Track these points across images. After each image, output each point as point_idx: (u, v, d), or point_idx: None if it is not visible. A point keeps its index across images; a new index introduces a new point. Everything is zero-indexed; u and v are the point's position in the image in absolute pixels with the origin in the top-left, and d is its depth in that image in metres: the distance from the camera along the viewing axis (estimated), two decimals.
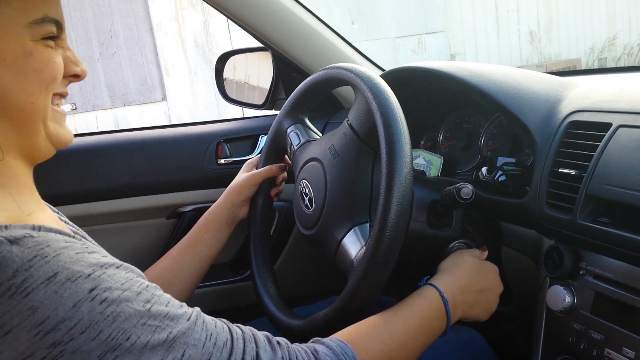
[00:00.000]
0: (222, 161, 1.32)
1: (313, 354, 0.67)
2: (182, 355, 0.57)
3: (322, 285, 1.24)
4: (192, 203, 1.30)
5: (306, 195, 0.96)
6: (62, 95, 0.67)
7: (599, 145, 0.80)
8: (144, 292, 0.57)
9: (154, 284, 0.61)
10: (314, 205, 0.94)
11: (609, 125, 0.80)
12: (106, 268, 0.56)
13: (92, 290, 0.53)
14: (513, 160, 1.03)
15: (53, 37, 0.62)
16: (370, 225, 0.86)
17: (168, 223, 1.31)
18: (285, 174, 1.12)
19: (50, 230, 0.56)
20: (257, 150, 1.35)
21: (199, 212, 1.25)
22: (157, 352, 0.55)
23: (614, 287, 0.75)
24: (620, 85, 0.96)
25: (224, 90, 1.51)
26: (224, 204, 1.08)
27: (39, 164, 0.68)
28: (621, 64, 7.22)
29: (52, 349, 0.50)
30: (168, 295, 0.62)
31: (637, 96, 0.84)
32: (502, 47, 7.74)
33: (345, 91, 1.36)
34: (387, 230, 0.74)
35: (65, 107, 0.70)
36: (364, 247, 0.83)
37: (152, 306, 0.57)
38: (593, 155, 0.79)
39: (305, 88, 1.03)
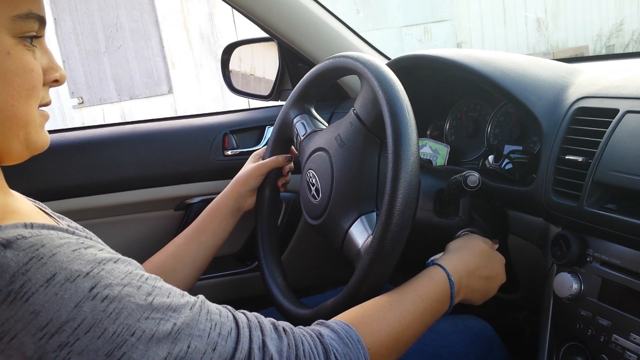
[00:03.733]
0: (229, 152, 1.32)
1: (318, 338, 0.67)
2: (188, 347, 0.57)
3: (330, 276, 1.24)
4: (199, 194, 1.30)
5: (313, 185, 0.96)
6: (46, 105, 0.64)
7: (606, 131, 0.79)
8: (145, 285, 0.57)
9: (154, 275, 0.60)
10: (320, 195, 0.94)
11: (616, 111, 0.80)
12: (104, 264, 0.55)
13: (92, 288, 0.52)
14: (520, 148, 1.02)
15: (33, 37, 0.60)
16: (377, 215, 0.86)
17: (176, 215, 1.31)
18: (292, 164, 1.13)
19: (42, 227, 0.55)
20: (263, 141, 1.35)
21: (207, 203, 1.25)
22: (164, 345, 0.55)
23: (621, 274, 0.75)
24: (628, 71, 0.95)
25: (230, 82, 1.51)
26: (230, 194, 1.09)
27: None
28: (629, 50, 7.15)
29: (59, 351, 0.50)
30: (169, 286, 0.61)
31: None
32: (509, 35, 7.69)
33: (352, 81, 1.36)
34: (394, 219, 0.74)
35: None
36: (371, 236, 0.83)
37: (154, 299, 0.56)
38: (600, 141, 0.79)
39: (311, 78, 1.03)
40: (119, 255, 0.59)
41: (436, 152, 1.14)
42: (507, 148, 1.04)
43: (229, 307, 0.67)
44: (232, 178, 1.13)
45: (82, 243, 0.56)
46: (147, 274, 0.59)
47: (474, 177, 0.81)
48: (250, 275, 1.36)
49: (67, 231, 0.58)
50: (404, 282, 0.81)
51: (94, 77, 6.35)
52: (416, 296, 0.77)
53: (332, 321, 0.71)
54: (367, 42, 1.42)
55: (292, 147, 1.12)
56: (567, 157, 0.83)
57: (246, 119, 1.37)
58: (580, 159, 0.81)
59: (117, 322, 0.52)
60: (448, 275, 0.80)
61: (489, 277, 0.86)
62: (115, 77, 6.49)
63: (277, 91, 1.45)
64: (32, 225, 0.54)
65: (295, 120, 1.06)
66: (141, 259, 1.02)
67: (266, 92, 1.48)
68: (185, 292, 0.63)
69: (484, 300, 0.87)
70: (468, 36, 7.62)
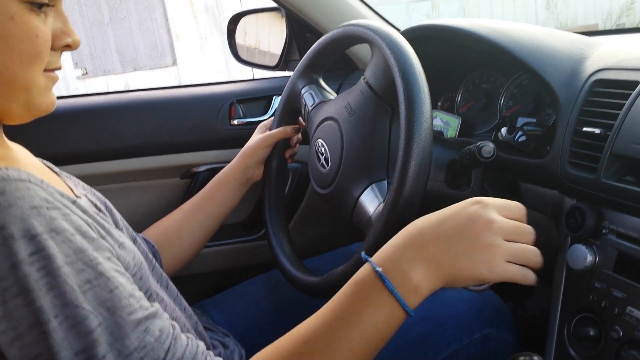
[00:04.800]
0: (236, 122, 1.30)
1: None
2: (104, 357, 0.52)
3: (337, 245, 1.23)
4: (205, 163, 1.29)
5: (322, 154, 0.95)
6: (55, 70, 0.62)
7: (625, 103, 0.77)
8: (89, 271, 0.53)
9: (115, 267, 0.57)
10: (330, 164, 0.93)
11: (636, 83, 0.78)
12: (58, 233, 0.52)
13: (32, 254, 0.50)
14: (533, 120, 1.00)
15: (44, 4, 0.57)
16: (388, 183, 0.85)
17: (182, 183, 1.30)
18: (299, 135, 1.11)
19: (19, 178, 0.52)
20: (270, 111, 1.33)
21: (213, 172, 1.25)
22: (82, 340, 0.51)
23: (638, 246, 0.74)
24: None
25: (236, 51, 1.48)
26: (237, 166, 1.08)
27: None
28: None
29: None
30: (123, 284, 0.56)
31: None
32: (518, 13, 7.58)
33: (361, 51, 1.33)
34: (406, 185, 0.72)
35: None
36: (382, 204, 0.82)
37: (91, 290, 0.53)
38: (619, 113, 0.77)
39: (320, 47, 1.01)
40: (97, 238, 0.56)
41: (447, 124, 1.12)
42: (520, 120, 1.02)
43: (178, 336, 0.61)
44: (238, 147, 1.12)
45: (50, 204, 0.53)
46: (109, 265, 0.56)
47: (488, 147, 0.80)
48: (256, 243, 1.36)
49: (59, 194, 0.55)
50: None
51: (98, 48, 6.30)
52: (322, 319, 0.62)
53: None
54: (377, 12, 1.39)
55: (300, 118, 1.10)
56: (584, 129, 0.81)
57: (253, 89, 1.35)
58: (597, 130, 0.79)
59: (46, 298, 0.50)
60: (374, 266, 0.61)
61: (477, 239, 0.61)
62: (119, 49, 6.43)
63: (284, 61, 1.42)
64: (7, 169, 0.52)
65: (303, 91, 1.04)
66: (145, 226, 1.02)
67: (273, 63, 1.46)
68: (145, 304, 0.58)
69: (479, 277, 0.61)
70: (476, 12, 7.51)
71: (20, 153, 0.66)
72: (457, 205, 0.66)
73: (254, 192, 1.14)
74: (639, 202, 0.72)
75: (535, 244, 0.65)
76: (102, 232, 0.61)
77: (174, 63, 6.65)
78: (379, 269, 0.61)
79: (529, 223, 0.66)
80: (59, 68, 0.63)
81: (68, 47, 0.63)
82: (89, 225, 0.58)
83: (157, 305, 0.61)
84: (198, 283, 1.28)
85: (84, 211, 0.59)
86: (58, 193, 0.56)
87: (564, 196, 0.90)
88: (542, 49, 0.91)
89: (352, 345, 0.60)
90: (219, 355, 0.88)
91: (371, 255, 0.65)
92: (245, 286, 1.13)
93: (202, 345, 0.63)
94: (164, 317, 0.60)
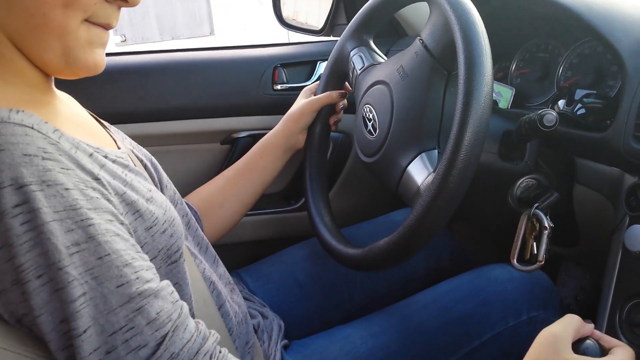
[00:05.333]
0: (279, 87, 1.27)
1: None
2: (85, 330, 0.48)
3: (374, 215, 1.20)
4: (246, 129, 1.27)
5: (369, 120, 0.91)
6: (106, 27, 0.58)
7: None
8: (80, 232, 0.48)
9: (115, 230, 0.51)
10: (377, 131, 0.89)
11: None
12: (50, 186, 0.47)
13: (16, 206, 0.46)
14: (594, 92, 0.95)
15: None
16: (438, 152, 0.81)
17: (222, 148, 1.28)
18: (345, 101, 1.08)
19: (20, 120, 0.47)
20: (314, 77, 1.29)
21: (254, 138, 1.23)
22: (66, 308, 0.47)
23: None
24: None
25: (280, 14, 1.44)
26: (282, 132, 1.05)
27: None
28: None
29: None
30: (121, 250, 0.51)
31: None
32: None
33: (412, 16, 1.28)
34: (461, 154, 0.68)
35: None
36: (433, 174, 0.78)
37: (77, 252, 0.48)
38: None
39: (373, 5, 0.96)
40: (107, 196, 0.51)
41: (499, 94, 1.07)
42: (579, 92, 0.97)
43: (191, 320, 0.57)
44: (281, 114, 1.09)
45: (48, 154, 0.48)
46: (106, 228, 0.50)
47: (551, 115, 0.75)
48: (295, 215, 1.33)
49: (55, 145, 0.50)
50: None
51: (137, 15, 6.33)
52: None
53: None
54: None
55: (347, 83, 1.06)
56: None
57: (297, 53, 1.32)
58: None
59: (27, 255, 0.46)
60: None
61: None
62: (158, 16, 6.45)
63: (330, 25, 1.38)
64: (18, 112, 0.48)
65: (352, 53, 1.00)
66: (185, 191, 1.01)
67: (318, 27, 1.41)
68: (146, 276, 0.52)
69: None
70: None
71: (64, 102, 0.64)
72: None
73: (294, 162, 1.12)
74: None
75: None
76: (123, 188, 0.56)
77: (211, 33, 6.65)
78: None
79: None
80: (110, 26, 0.58)
81: (124, 1, 0.58)
82: (105, 184, 0.53)
83: (165, 283, 0.55)
84: (235, 253, 1.27)
85: (112, 173, 0.55)
86: (76, 148, 0.52)
87: (625, 174, 0.85)
88: (613, 12, 0.85)
89: None
90: (258, 325, 0.87)
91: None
92: (281, 255, 1.11)
93: (211, 340, 0.58)
94: (168, 297, 0.54)
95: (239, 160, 1.05)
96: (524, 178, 0.87)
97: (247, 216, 1.28)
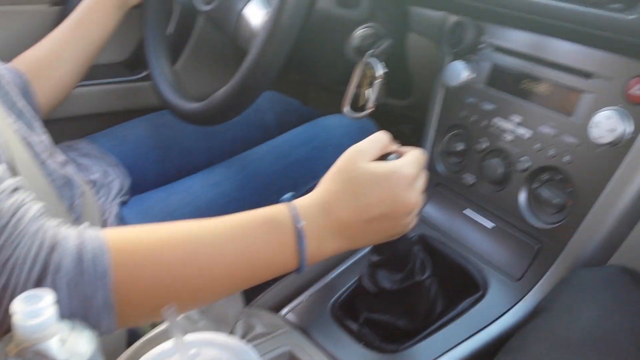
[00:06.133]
0: None
1: (47, 250, 0.45)
2: None
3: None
4: None
5: None
6: None
7: None
8: None
9: None
10: None
11: None
12: None
13: None
14: None
15: None
16: None
17: (53, 10, 1.17)
18: None
19: None
20: None
21: None
22: None
23: (513, 57, 0.76)
24: None
25: None
26: None
27: None
28: None
29: None
30: None
31: None
32: None
33: None
34: None
35: None
36: (268, 12, 0.77)
37: None
38: None
39: None
40: None
41: None
42: None
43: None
44: None
45: None
46: None
47: None
48: (140, 84, 1.28)
49: None
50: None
51: None
52: (237, 232, 0.53)
53: (94, 236, 0.48)
54: None
55: None
56: None
57: None
58: None
59: None
60: (299, 232, 0.54)
61: (397, 223, 0.60)
62: None
63: None
64: None
65: None
66: (12, 59, 0.92)
67: None
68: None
69: (387, 239, 0.62)
70: None
71: None
72: (383, 185, 0.58)
73: (136, 29, 1.05)
74: (520, 10, 0.72)
75: None
76: None
77: None
78: (301, 225, 0.54)
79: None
80: None
81: None
82: None
83: None
84: (82, 124, 1.20)
85: None
86: None
87: (448, 15, 0.89)
88: None
89: (233, 270, 0.53)
90: (95, 182, 0.86)
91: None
92: (137, 122, 1.11)
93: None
94: None
95: (67, 18, 0.97)
96: (361, 27, 0.89)
97: (89, 85, 1.21)
